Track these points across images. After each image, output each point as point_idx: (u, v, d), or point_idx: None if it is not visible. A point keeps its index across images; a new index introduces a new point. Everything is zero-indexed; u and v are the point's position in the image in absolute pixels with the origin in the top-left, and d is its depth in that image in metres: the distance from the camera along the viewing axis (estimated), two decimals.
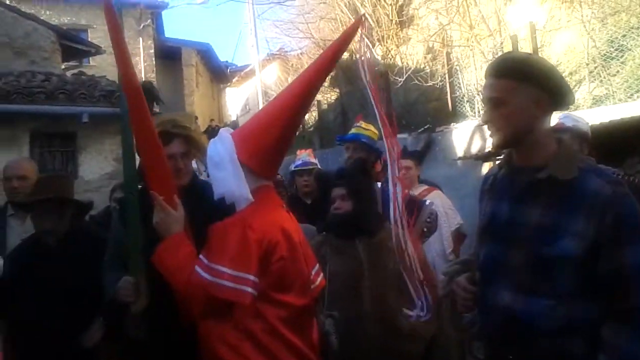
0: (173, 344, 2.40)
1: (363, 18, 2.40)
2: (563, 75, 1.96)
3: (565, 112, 3.53)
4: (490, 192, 2.03)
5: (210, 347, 2.12)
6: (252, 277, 2.03)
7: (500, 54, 7.80)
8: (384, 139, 2.47)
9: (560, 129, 3.08)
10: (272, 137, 2.20)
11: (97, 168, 9.05)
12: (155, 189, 2.34)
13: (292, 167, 4.53)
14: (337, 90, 13.89)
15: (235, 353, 2.08)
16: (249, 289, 2.02)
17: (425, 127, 8.92)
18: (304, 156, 4.58)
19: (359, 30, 2.39)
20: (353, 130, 4.00)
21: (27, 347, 2.82)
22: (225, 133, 2.27)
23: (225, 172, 2.16)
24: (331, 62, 2.32)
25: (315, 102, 14.20)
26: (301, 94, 2.25)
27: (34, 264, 2.89)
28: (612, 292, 1.71)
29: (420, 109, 9.90)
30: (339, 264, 2.70)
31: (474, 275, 1.97)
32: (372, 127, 3.91)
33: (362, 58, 2.41)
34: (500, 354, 1.87)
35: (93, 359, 2.78)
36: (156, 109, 8.07)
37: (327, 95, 14.61)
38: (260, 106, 17.42)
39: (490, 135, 1.93)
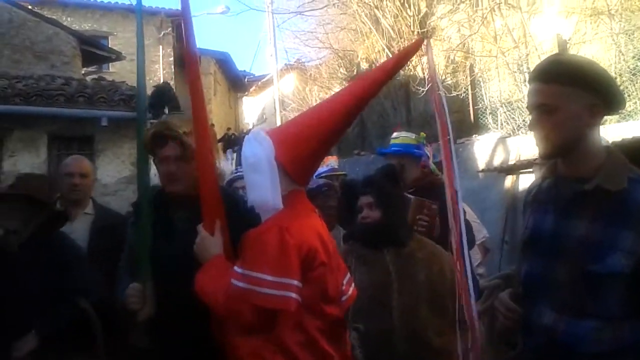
0: (178, 355, 2.32)
1: (425, 42, 2.36)
2: None
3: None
4: (534, 204, 1.91)
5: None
6: (295, 282, 1.90)
7: (525, 65, 7.69)
8: (442, 152, 2.44)
9: None
10: (316, 143, 2.09)
11: (115, 172, 9.00)
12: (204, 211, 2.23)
13: (320, 173, 4.37)
14: None
15: None
16: (293, 295, 1.89)
17: (446, 138, 8.79)
18: (332, 162, 4.46)
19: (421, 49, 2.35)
20: (397, 141, 3.89)
21: None
22: (262, 133, 2.13)
23: (262, 175, 2.03)
24: (387, 76, 2.19)
25: None
26: (352, 103, 2.13)
27: None
28: None
29: None
30: (365, 275, 2.57)
31: (517, 292, 1.85)
32: (403, 134, 3.85)
33: (430, 77, 2.42)
34: None
35: None
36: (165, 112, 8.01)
37: None
38: (278, 116, 17.39)
39: (537, 144, 1.81)
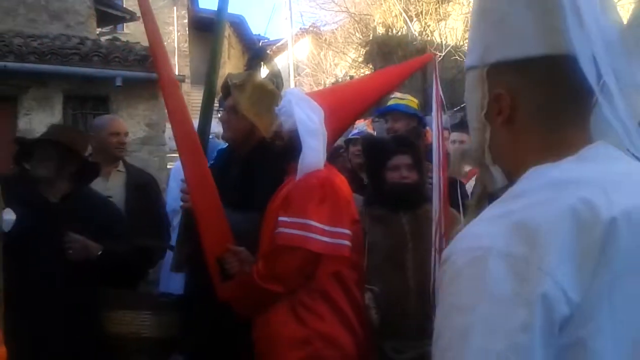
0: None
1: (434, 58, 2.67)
2: None
3: None
4: None
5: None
6: (347, 231, 2.14)
7: None
8: (435, 119, 2.52)
9: None
10: (350, 122, 2.52)
11: (130, 132, 8.96)
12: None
13: (349, 136, 4.12)
14: (371, 66, 13.66)
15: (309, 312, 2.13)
16: (347, 242, 2.13)
17: (462, 105, 8.70)
18: (361, 126, 4.38)
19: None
20: (390, 102, 3.88)
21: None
22: (309, 98, 2.29)
23: (319, 141, 2.19)
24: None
25: (348, 77, 14.00)
26: (378, 95, 2.58)
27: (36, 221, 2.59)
28: None
29: (458, 87, 9.65)
30: (380, 235, 2.56)
31: None
32: (408, 97, 3.80)
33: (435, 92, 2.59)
34: None
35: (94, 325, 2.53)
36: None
37: (360, 71, 14.38)
38: (292, 81, 17.25)
39: None
